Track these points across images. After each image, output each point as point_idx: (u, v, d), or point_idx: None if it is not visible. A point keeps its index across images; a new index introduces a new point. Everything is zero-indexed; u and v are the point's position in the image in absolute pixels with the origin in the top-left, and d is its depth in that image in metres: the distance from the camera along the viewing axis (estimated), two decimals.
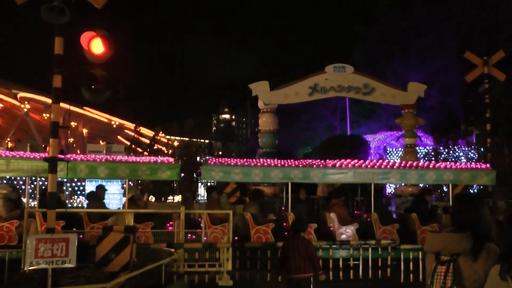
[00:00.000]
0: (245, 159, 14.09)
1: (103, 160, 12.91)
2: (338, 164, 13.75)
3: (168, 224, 13.48)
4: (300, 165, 13.55)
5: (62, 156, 8.73)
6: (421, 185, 16.96)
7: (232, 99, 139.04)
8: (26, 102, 32.14)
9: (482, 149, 25.55)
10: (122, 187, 18.82)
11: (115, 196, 18.53)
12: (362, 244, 12.69)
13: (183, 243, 11.33)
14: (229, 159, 13.99)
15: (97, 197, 14.25)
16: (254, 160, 14.22)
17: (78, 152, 30.96)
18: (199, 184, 24.13)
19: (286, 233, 13.29)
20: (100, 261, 8.46)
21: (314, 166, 13.55)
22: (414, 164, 14.21)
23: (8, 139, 32.97)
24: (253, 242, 12.72)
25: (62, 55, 8.15)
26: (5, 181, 17.17)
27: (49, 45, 8.23)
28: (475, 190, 21.56)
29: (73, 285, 7.56)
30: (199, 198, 24.61)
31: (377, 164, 14.02)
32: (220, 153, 29.05)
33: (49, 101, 9.17)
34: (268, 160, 14.28)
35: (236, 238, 12.64)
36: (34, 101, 32.92)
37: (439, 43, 40.58)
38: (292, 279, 7.91)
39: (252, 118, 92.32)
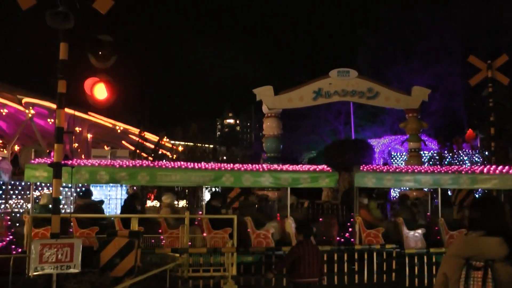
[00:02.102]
0: (395, 166, 14.24)
1: (266, 169, 13.30)
2: (485, 170, 13.88)
3: None
4: (450, 172, 13.73)
5: (67, 162, 8.75)
6: (425, 189, 16.91)
7: (236, 104, 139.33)
8: (30, 107, 32.20)
9: (486, 153, 25.49)
10: (127, 192, 18.82)
11: (118, 201, 18.54)
12: (367, 248, 12.67)
13: (187, 248, 11.32)
14: (380, 166, 14.18)
15: (254, 205, 14.70)
16: (405, 167, 14.46)
17: (82, 157, 30.98)
18: (204, 189, 24.04)
19: (438, 237, 13.39)
20: (105, 266, 8.46)
21: (463, 172, 13.69)
22: None
23: (17, 147, 33.08)
24: (407, 246, 12.94)
25: (66, 60, 8.18)
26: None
27: (54, 49, 8.26)
28: (480, 194, 21.48)
29: None
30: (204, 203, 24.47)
31: None
32: (225, 158, 29.05)
33: (54, 106, 9.22)
34: (419, 167, 14.59)
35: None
36: (39, 106, 32.98)
37: (442, 46, 40.56)
38: (302, 283, 7.87)
39: (257, 123, 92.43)
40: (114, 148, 32.34)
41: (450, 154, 28.12)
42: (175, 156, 28.62)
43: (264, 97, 19.24)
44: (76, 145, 37.64)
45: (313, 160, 38.80)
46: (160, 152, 28.95)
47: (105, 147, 38.56)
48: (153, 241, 12.01)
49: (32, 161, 12.75)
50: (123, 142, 44.79)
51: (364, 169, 13.67)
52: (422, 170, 13.85)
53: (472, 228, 3.62)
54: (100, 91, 8.61)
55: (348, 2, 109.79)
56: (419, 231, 13.17)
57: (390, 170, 13.89)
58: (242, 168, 13.21)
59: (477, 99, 34.25)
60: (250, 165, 13.72)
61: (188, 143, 30.73)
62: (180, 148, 32.74)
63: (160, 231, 12.32)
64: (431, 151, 29.16)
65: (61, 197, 17.46)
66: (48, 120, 33.90)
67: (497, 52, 22.95)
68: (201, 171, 12.91)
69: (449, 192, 19.47)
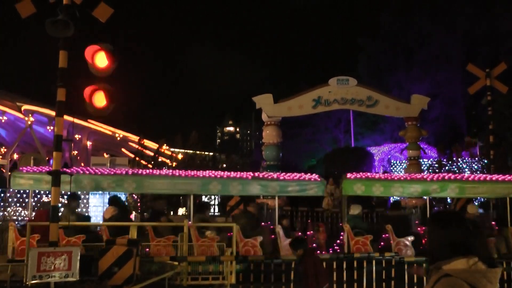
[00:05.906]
0: None
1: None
2: None
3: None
4: None
5: (66, 170, 8.74)
6: (424, 197, 16.88)
7: (236, 112, 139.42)
8: (30, 115, 32.21)
9: (485, 161, 25.48)
10: (126, 200, 18.77)
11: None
12: (366, 256, 12.63)
13: (186, 256, 11.29)
14: None
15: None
16: None
17: (83, 164, 30.94)
18: (203, 197, 24.01)
19: None
20: (103, 274, 8.43)
21: None
22: None
23: (16, 154, 33.00)
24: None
25: (66, 68, 8.19)
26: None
27: (54, 57, 8.28)
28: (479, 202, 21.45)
29: None
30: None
31: None
32: (224, 165, 29.03)
33: (53, 113, 9.23)
34: None
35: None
36: (38, 113, 33.00)
37: (442, 54, 40.66)
38: None
39: (256, 131, 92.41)
40: (113, 155, 32.32)
41: (450, 162, 28.12)
42: (174, 164, 28.56)
43: (264, 105, 19.20)
44: (75, 152, 37.65)
45: (312, 168, 38.78)
46: (159, 160, 28.90)
47: (105, 154, 38.53)
48: None
49: None
50: (123, 149, 44.79)
51: None
52: None
53: (457, 253, 2.81)
54: (99, 99, 8.63)
55: (348, 9, 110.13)
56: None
57: None
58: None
59: (477, 107, 34.34)
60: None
61: (188, 151, 30.67)
62: (180, 156, 32.64)
63: None
64: (431, 159, 29.16)
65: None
66: (48, 127, 33.91)
67: (497, 60, 22.95)
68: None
69: (448, 200, 19.48)
